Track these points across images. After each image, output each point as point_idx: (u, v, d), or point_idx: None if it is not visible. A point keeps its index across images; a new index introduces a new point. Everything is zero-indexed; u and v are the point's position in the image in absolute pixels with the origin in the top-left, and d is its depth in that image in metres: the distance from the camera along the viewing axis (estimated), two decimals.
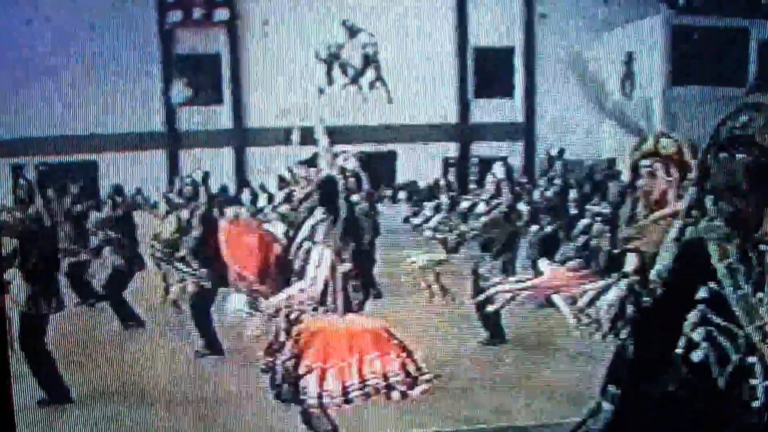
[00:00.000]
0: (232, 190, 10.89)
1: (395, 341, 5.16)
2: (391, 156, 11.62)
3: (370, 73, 11.75)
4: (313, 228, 5.29)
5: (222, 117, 11.55)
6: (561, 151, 10.47)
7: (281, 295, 5.20)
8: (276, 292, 5.28)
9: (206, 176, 8.94)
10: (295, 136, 6.75)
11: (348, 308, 5.27)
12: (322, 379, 4.94)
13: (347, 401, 4.95)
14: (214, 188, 10.08)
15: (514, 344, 7.81)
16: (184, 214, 8.48)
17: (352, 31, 11.66)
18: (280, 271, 5.39)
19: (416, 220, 10.20)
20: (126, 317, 8.54)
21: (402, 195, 10.69)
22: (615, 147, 11.01)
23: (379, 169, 11.37)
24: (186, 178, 9.67)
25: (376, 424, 5.76)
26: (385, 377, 4.93)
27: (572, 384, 6.38)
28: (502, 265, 8.13)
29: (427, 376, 5.14)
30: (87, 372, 7.11)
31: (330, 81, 11.67)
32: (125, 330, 8.46)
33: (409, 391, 5.09)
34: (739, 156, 2.79)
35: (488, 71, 11.76)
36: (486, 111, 11.69)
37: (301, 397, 4.98)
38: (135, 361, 7.51)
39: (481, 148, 11.58)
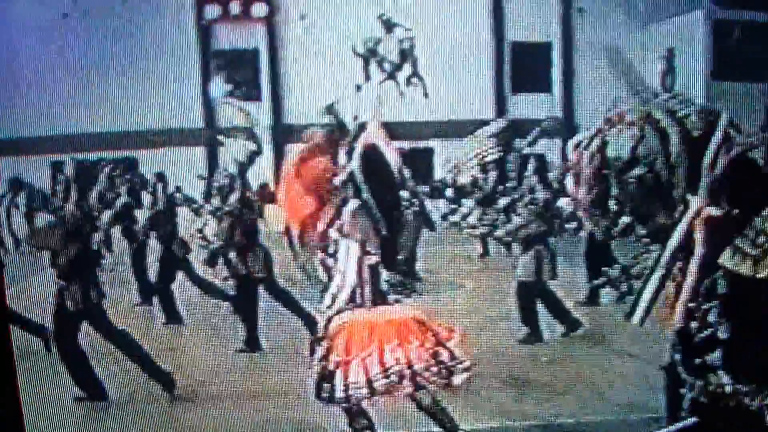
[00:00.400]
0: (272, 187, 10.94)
1: (427, 331, 5.09)
2: (428, 152, 11.60)
3: (407, 69, 11.73)
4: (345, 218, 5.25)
5: (261, 112, 11.61)
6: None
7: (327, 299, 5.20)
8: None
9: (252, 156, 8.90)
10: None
11: (380, 302, 5.21)
12: (346, 372, 4.93)
13: (373, 392, 4.91)
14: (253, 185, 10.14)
15: (556, 343, 7.78)
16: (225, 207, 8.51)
17: (389, 26, 11.65)
18: (318, 236, 5.32)
19: (454, 217, 10.17)
20: (170, 313, 8.63)
21: (450, 192, 10.64)
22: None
23: (416, 166, 11.38)
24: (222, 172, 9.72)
25: (414, 420, 5.77)
26: (410, 365, 4.88)
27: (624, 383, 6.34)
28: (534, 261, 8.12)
29: (465, 364, 5.06)
30: (123, 369, 7.15)
31: (367, 76, 11.68)
32: (164, 326, 8.57)
33: (446, 380, 5.03)
34: None
35: (526, 66, 11.72)
36: (524, 106, 11.62)
37: (334, 394, 4.97)
38: (175, 357, 7.62)
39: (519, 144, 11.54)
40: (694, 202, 2.91)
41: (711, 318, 3.13)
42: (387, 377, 4.85)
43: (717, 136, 2.83)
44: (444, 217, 10.31)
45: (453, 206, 10.26)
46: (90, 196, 7.41)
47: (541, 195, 8.41)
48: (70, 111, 10.68)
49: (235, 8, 11.47)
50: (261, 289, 8.02)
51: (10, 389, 5.39)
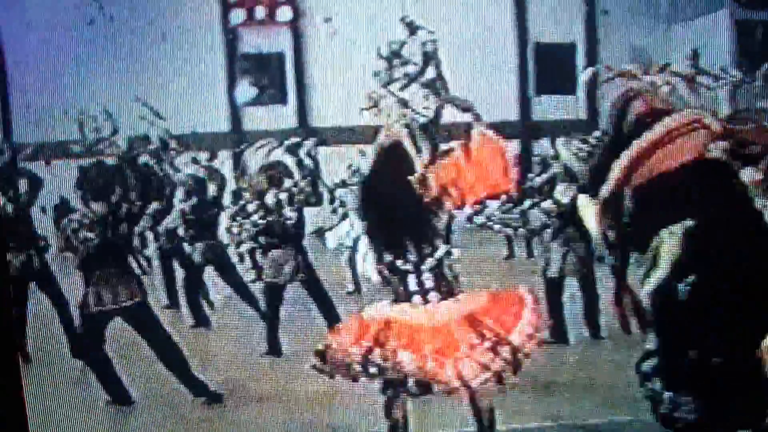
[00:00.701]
0: None
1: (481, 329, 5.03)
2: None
3: (430, 71, 11.77)
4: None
5: (286, 116, 11.71)
6: None
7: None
8: None
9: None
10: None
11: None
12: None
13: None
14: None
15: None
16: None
17: (412, 28, 11.69)
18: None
19: (479, 219, 10.21)
20: (197, 316, 8.76)
21: None
22: None
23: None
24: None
25: (447, 418, 5.82)
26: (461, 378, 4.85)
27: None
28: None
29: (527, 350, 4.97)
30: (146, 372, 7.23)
31: (391, 79, 11.73)
32: (191, 330, 8.68)
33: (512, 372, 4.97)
34: None
35: (550, 67, 11.72)
36: (547, 108, 11.63)
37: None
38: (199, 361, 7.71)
39: (542, 146, 11.56)
40: None
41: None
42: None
43: None
44: (470, 218, 10.34)
45: (478, 206, 10.27)
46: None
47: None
48: (96, 116, 10.81)
49: (260, 13, 11.57)
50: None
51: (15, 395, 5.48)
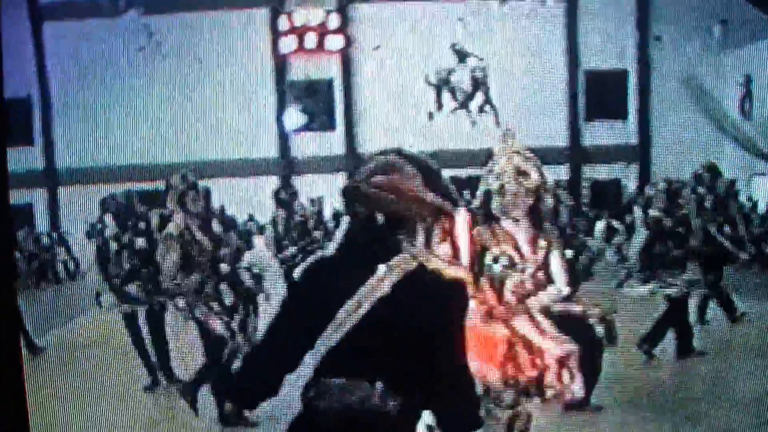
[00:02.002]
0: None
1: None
2: None
3: (479, 97, 11.77)
4: None
5: (335, 142, 11.76)
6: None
7: None
8: None
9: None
10: None
11: None
12: None
13: None
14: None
15: None
16: None
17: (462, 55, 11.73)
18: None
19: None
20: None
21: None
22: (735, 167, 10.68)
23: None
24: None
25: None
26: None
27: None
28: None
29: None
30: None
31: (440, 105, 11.75)
32: None
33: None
34: None
35: (600, 94, 11.63)
36: (597, 133, 11.53)
37: None
38: None
39: (592, 171, 11.46)
40: None
41: None
42: None
43: None
44: None
45: None
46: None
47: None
48: (146, 141, 10.97)
49: (310, 41, 11.67)
50: None
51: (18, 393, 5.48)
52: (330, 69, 11.88)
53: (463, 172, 11.44)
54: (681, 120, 10.77)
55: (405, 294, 2.50)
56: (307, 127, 11.71)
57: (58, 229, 11.53)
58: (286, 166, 11.68)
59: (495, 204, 4.79)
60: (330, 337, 2.53)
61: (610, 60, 11.55)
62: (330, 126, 11.79)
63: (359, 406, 2.51)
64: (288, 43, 11.72)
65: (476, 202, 4.94)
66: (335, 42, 11.73)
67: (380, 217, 2.55)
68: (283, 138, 11.70)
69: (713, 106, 11.18)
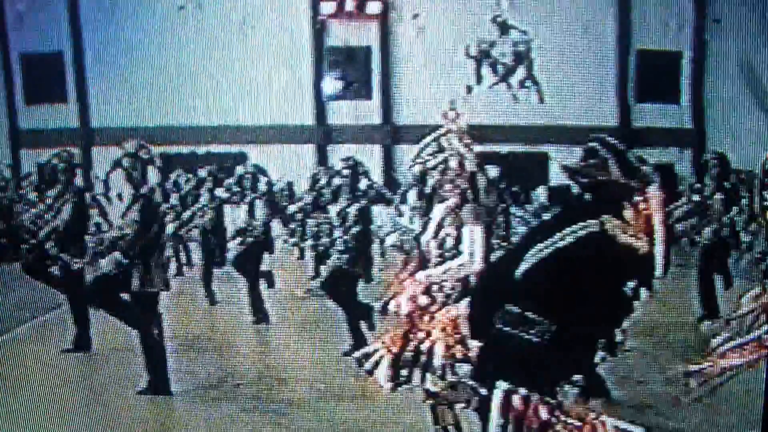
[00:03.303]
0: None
1: None
2: (543, 157, 11.22)
3: (521, 72, 11.41)
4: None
5: (371, 111, 11.47)
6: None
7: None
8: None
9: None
10: None
11: None
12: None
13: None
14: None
15: None
16: None
17: (504, 28, 11.35)
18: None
19: None
20: (257, 310, 8.54)
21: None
22: None
23: (528, 171, 11.05)
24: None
25: None
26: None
27: None
28: None
29: None
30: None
31: (479, 79, 11.41)
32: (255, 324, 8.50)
33: None
34: None
35: (653, 75, 11.22)
36: (649, 115, 11.13)
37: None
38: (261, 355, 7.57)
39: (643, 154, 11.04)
40: None
41: None
42: None
43: None
44: None
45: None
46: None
47: None
48: (182, 103, 10.81)
49: (349, 4, 11.36)
50: None
51: None
52: (368, 36, 11.55)
53: (500, 148, 11.28)
54: (735, 106, 10.36)
55: (584, 250, 3.29)
56: (343, 95, 11.44)
57: (91, 190, 11.41)
58: (323, 134, 11.42)
59: (431, 181, 4.93)
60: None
61: (666, 40, 11.13)
62: (367, 95, 11.49)
63: (538, 337, 3.26)
64: (328, 6, 11.42)
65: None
66: (374, 6, 11.40)
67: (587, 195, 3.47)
68: (320, 105, 11.41)
69: (766, 93, 10.75)
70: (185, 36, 10.96)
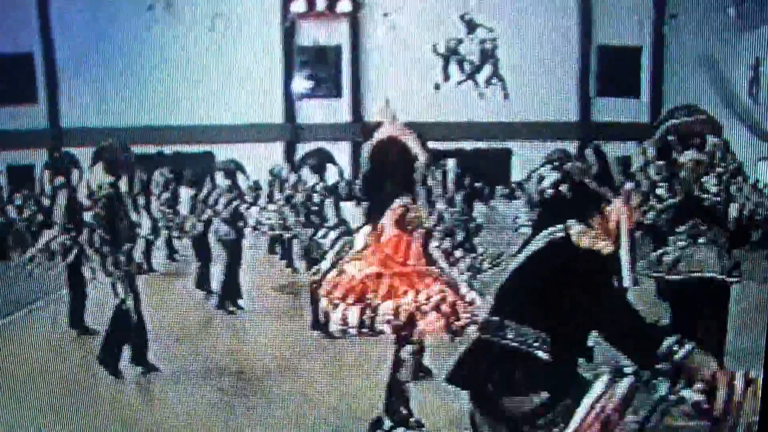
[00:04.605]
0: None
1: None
2: (506, 153, 11.48)
3: (487, 69, 11.64)
4: None
5: (340, 110, 11.63)
6: None
7: None
8: None
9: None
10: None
11: None
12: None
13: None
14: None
15: None
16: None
17: (471, 26, 11.57)
18: None
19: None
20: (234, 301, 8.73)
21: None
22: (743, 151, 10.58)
23: (492, 166, 11.27)
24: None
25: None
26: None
27: None
28: None
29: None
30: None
31: (446, 76, 11.62)
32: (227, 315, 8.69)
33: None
34: None
35: (613, 70, 11.51)
36: (609, 110, 11.41)
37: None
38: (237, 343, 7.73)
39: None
40: None
41: None
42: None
43: None
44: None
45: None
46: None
47: None
48: (151, 103, 10.85)
49: (320, 3, 11.49)
50: None
51: None
52: (339, 35, 11.71)
53: (469, 144, 11.51)
54: (694, 100, 10.65)
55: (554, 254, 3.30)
56: (313, 94, 11.58)
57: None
58: (292, 132, 11.55)
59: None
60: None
61: (625, 36, 11.41)
62: (336, 93, 11.66)
63: (526, 347, 3.20)
64: (299, 5, 11.54)
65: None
66: (345, 5, 11.56)
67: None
68: (290, 104, 11.55)
69: (725, 87, 11.08)
70: (154, 36, 11.01)
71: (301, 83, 11.57)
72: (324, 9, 11.47)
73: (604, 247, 3.27)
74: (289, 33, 11.43)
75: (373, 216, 5.65)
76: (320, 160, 8.33)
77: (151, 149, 10.86)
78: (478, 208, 10.40)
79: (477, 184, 10.91)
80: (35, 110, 11.36)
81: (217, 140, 10.98)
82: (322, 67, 11.65)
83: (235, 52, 11.05)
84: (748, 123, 10.85)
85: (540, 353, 3.18)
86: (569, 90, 11.43)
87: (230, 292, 8.85)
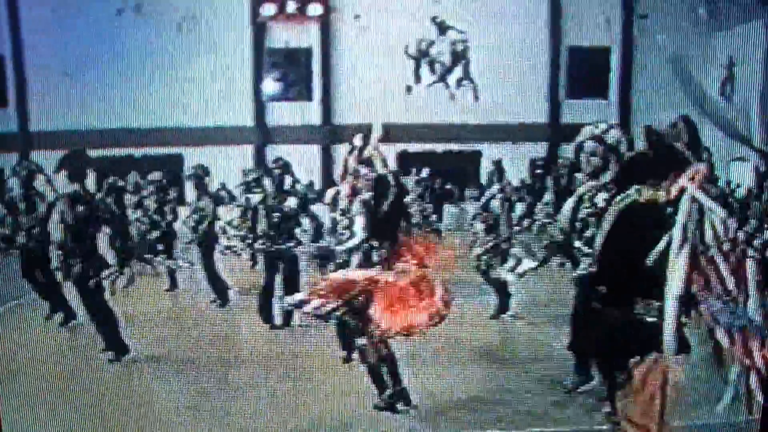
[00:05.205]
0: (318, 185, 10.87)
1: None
2: (476, 155, 11.48)
3: (458, 71, 11.62)
4: None
5: (311, 112, 11.61)
6: None
7: None
8: None
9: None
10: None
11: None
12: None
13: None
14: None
15: None
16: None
17: (442, 28, 11.56)
18: None
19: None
20: (220, 294, 8.71)
21: None
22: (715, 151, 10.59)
23: (463, 168, 11.28)
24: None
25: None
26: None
27: None
28: None
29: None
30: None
31: (418, 78, 11.60)
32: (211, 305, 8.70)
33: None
34: None
35: (583, 71, 11.51)
36: (578, 111, 11.40)
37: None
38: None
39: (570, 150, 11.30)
40: None
41: None
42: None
43: None
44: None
45: None
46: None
47: None
48: (121, 106, 10.81)
49: (291, 7, 11.47)
50: None
51: None
52: (309, 38, 11.68)
53: (440, 147, 11.50)
54: (663, 101, 10.66)
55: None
56: (283, 96, 11.56)
57: None
58: (262, 135, 11.53)
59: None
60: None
61: (595, 37, 11.41)
62: (307, 96, 11.64)
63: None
64: (269, 8, 11.51)
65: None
66: (316, 9, 11.53)
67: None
68: (260, 106, 11.53)
69: (696, 87, 11.07)
70: (124, 39, 10.97)
71: (271, 86, 11.55)
72: (295, 11, 11.44)
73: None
74: (259, 35, 11.40)
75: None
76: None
77: (121, 152, 10.84)
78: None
79: (448, 186, 10.93)
80: (5, 113, 11.32)
81: (187, 143, 10.96)
82: (292, 70, 11.63)
83: (204, 54, 11.01)
84: (720, 123, 10.86)
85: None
86: (539, 91, 11.45)
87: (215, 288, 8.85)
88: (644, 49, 11.25)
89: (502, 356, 7.05)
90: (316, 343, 7.01)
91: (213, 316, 8.53)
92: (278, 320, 7.71)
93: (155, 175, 9.28)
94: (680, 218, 3.65)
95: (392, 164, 7.68)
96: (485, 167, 11.12)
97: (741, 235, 7.59)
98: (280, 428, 5.59)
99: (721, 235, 3.60)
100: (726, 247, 3.62)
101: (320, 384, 6.28)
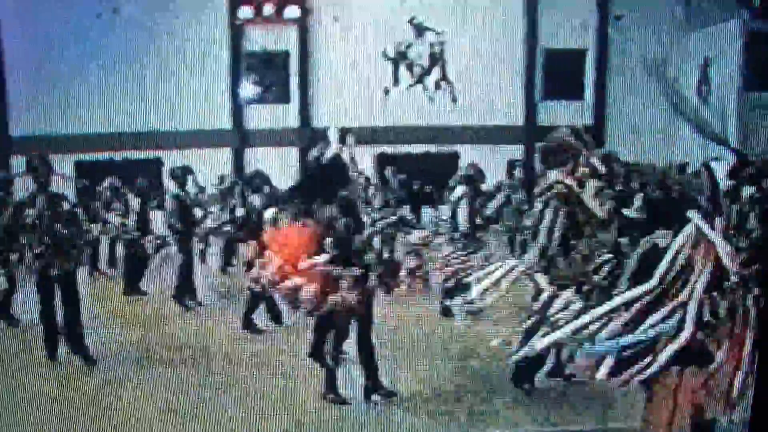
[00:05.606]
0: None
1: None
2: (454, 157, 11.49)
3: (436, 73, 11.64)
4: None
5: (289, 115, 11.61)
6: None
7: None
8: None
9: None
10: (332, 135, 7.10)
11: None
12: None
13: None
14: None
15: None
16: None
17: (420, 30, 11.58)
18: None
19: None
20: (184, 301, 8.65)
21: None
22: (690, 151, 10.65)
23: (441, 170, 11.27)
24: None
25: None
26: None
27: None
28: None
29: None
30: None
31: (396, 80, 11.62)
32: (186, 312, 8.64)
33: None
34: None
35: (558, 73, 11.57)
36: (554, 113, 11.45)
37: None
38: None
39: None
40: None
41: None
42: None
43: None
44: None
45: None
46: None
47: None
48: (98, 110, 10.80)
49: (268, 10, 11.47)
50: None
51: None
52: (287, 41, 11.70)
53: (419, 149, 11.51)
54: (639, 101, 10.72)
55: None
56: (261, 99, 11.56)
57: None
58: (240, 138, 11.52)
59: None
60: None
61: (570, 39, 11.48)
62: (284, 99, 11.64)
63: None
64: (246, 11, 11.51)
65: None
66: (293, 12, 11.53)
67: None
68: (237, 110, 11.52)
69: (671, 87, 11.12)
70: (103, 43, 10.95)
71: (248, 89, 11.55)
72: (272, 15, 11.44)
73: None
74: (236, 39, 11.40)
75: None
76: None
77: (101, 156, 10.83)
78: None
79: (426, 188, 10.89)
80: None
81: (166, 146, 10.93)
82: (270, 73, 11.63)
83: (182, 58, 11.02)
84: (696, 123, 10.90)
85: None
86: (515, 93, 11.49)
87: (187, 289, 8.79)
88: (619, 51, 11.32)
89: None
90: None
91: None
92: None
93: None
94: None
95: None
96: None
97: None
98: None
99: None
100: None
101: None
